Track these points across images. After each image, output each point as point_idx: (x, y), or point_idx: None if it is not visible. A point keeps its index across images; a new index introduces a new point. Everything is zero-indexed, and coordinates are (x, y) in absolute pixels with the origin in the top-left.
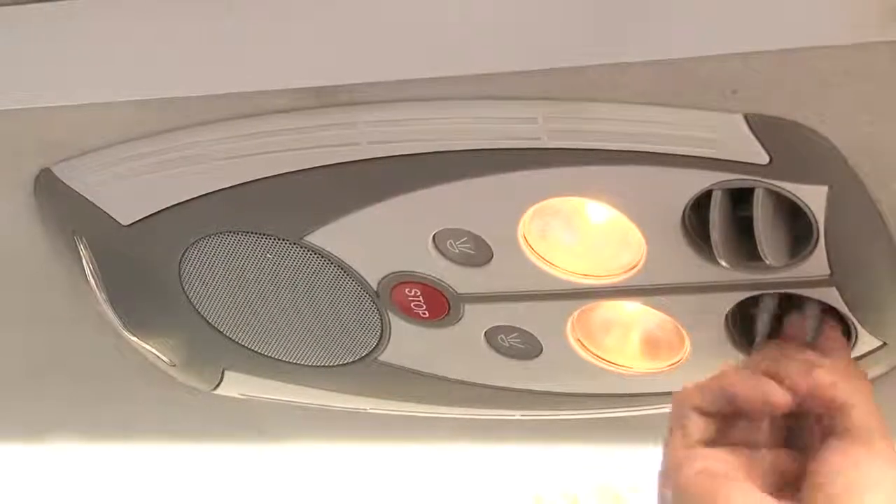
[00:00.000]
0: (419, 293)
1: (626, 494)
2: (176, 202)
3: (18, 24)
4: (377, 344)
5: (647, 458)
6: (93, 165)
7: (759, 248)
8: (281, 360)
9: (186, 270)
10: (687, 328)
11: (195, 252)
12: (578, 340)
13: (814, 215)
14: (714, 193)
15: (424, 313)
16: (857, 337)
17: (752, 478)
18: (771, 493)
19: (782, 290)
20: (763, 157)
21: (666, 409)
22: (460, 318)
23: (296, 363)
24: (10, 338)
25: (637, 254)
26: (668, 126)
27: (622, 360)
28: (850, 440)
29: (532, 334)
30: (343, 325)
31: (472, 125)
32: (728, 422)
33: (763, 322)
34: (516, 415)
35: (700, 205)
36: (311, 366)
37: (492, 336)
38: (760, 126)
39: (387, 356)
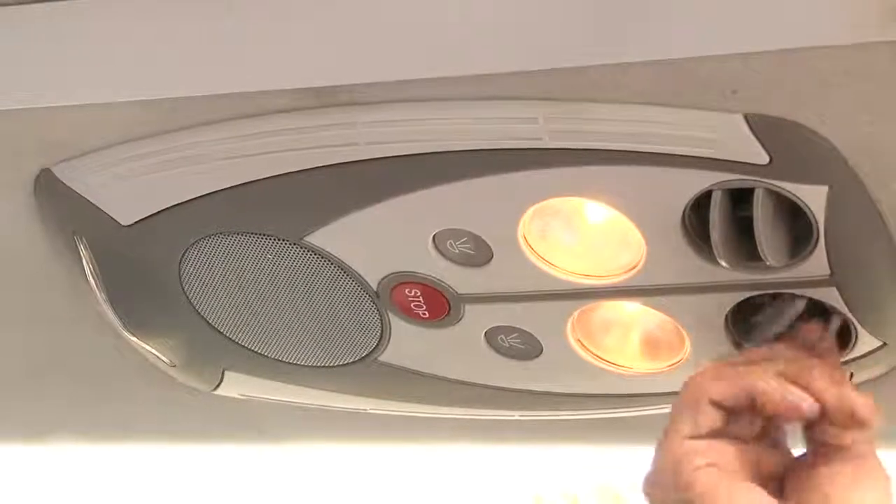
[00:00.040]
0: (419, 293)
1: (627, 494)
2: (176, 202)
3: (19, 24)
4: (377, 344)
5: (647, 458)
6: (93, 166)
7: (759, 248)
8: (281, 361)
9: (186, 271)
10: (687, 328)
11: (195, 252)
12: (578, 341)
13: (814, 215)
14: (714, 193)
15: (424, 314)
16: (857, 337)
17: (744, 471)
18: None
19: (782, 290)
20: (763, 158)
21: (666, 409)
22: (460, 319)
23: (296, 363)
24: (10, 338)
25: (637, 254)
26: (668, 126)
27: (622, 361)
28: (854, 454)
29: (532, 335)
30: (343, 325)
31: (473, 125)
32: (733, 416)
33: (773, 323)
34: (516, 415)
35: (700, 205)
36: (311, 366)
37: (492, 336)
38: (760, 126)
39: (387, 356)
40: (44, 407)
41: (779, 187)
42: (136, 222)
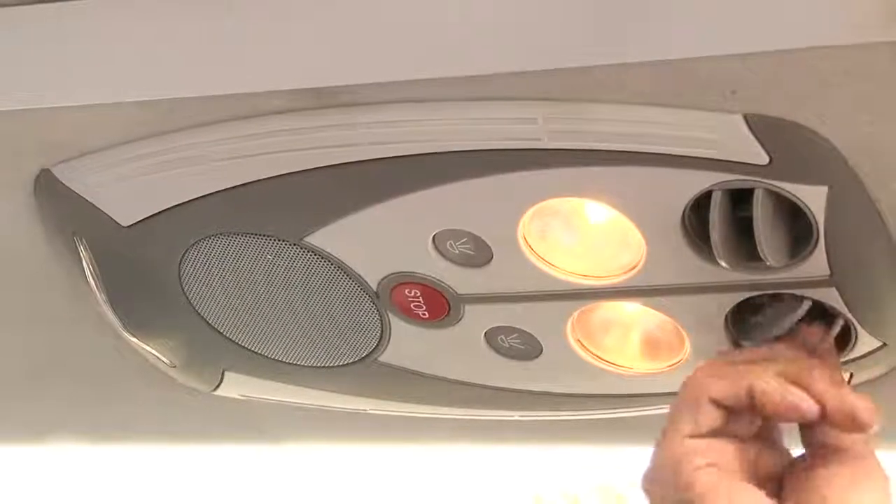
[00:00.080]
0: (419, 294)
1: (627, 492)
2: (176, 203)
3: (19, 24)
4: (377, 345)
5: (647, 458)
6: (93, 166)
7: (758, 248)
8: (281, 361)
9: (186, 271)
10: (687, 329)
11: (195, 253)
12: (578, 341)
13: (814, 215)
14: (714, 194)
15: (424, 314)
16: (856, 337)
17: (743, 471)
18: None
19: (782, 291)
20: (763, 158)
21: (666, 409)
22: (460, 319)
23: (296, 364)
24: (10, 338)
25: (637, 254)
26: (668, 127)
27: (622, 361)
28: (852, 455)
29: (532, 335)
30: (343, 325)
31: (472, 126)
32: (732, 416)
33: (774, 325)
34: (516, 415)
35: (700, 205)
36: (311, 367)
37: (492, 337)
38: (760, 126)
39: (387, 357)
40: (44, 407)
41: (778, 187)
42: (136, 223)
